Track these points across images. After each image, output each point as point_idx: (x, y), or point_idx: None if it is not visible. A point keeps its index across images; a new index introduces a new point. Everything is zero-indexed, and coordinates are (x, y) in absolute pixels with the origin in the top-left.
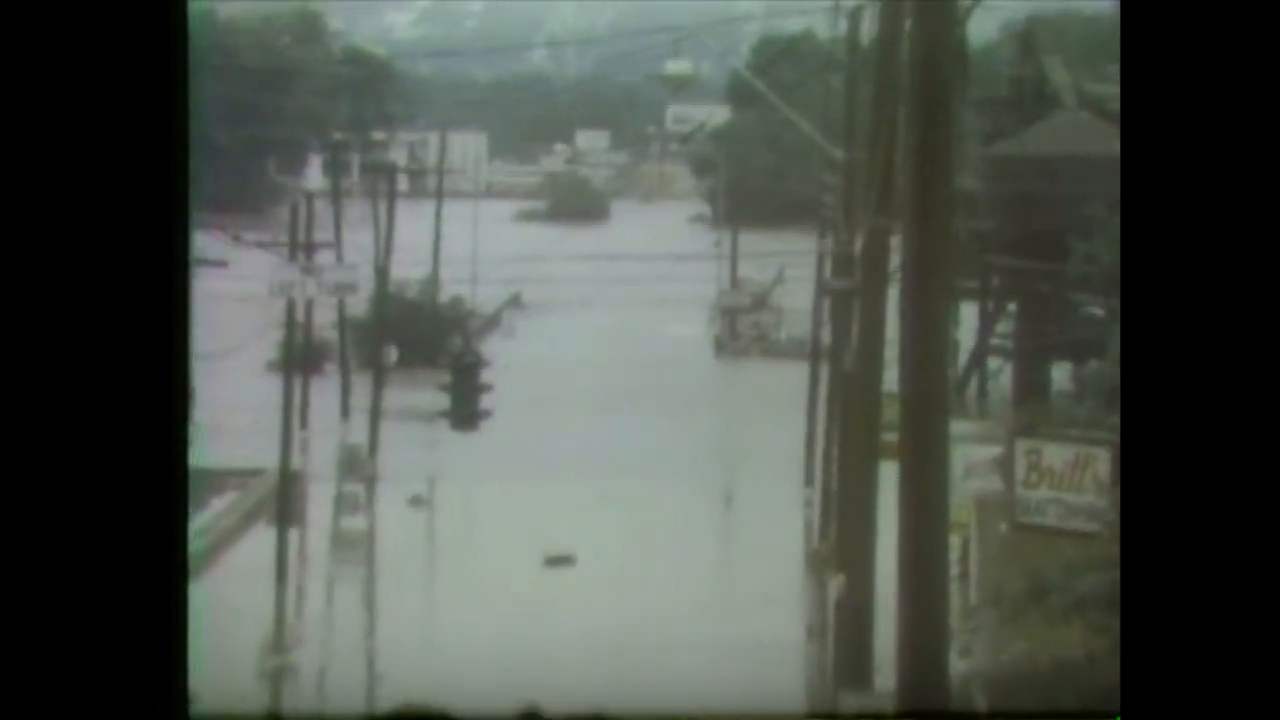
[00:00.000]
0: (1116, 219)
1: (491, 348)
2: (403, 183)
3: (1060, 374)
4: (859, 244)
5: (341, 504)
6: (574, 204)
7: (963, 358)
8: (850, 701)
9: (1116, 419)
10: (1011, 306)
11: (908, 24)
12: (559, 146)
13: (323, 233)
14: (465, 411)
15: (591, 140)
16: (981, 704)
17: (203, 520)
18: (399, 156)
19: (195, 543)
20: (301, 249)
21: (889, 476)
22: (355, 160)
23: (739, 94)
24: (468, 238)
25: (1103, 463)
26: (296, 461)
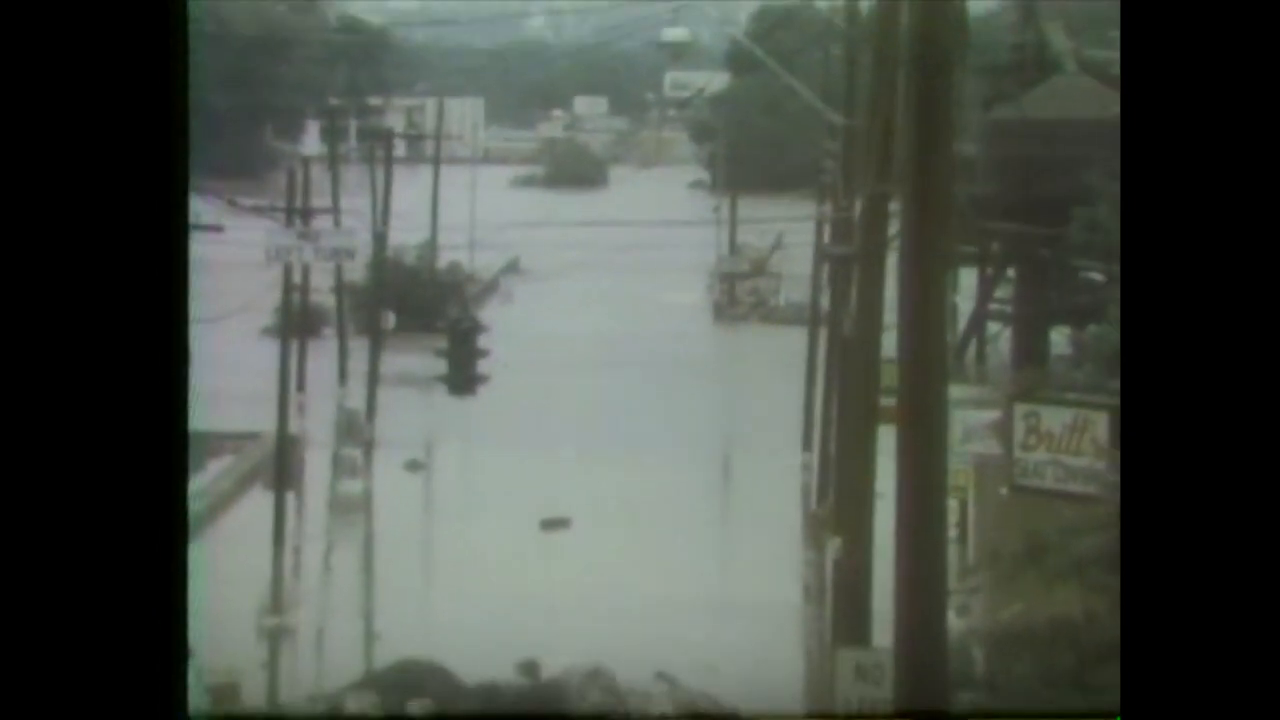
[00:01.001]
0: (1116, 184)
1: (489, 313)
2: (400, 148)
3: (1059, 338)
4: (858, 209)
5: (339, 468)
6: (572, 170)
7: (962, 323)
8: (848, 659)
9: (1115, 383)
10: (1010, 271)
11: None
12: (557, 112)
13: (320, 198)
14: (462, 376)
15: (590, 106)
16: (979, 661)
17: (200, 483)
18: (396, 122)
19: (193, 506)
20: (299, 214)
21: (887, 441)
22: (352, 126)
23: (738, 60)
24: (465, 203)
25: (1101, 426)
26: (294, 426)
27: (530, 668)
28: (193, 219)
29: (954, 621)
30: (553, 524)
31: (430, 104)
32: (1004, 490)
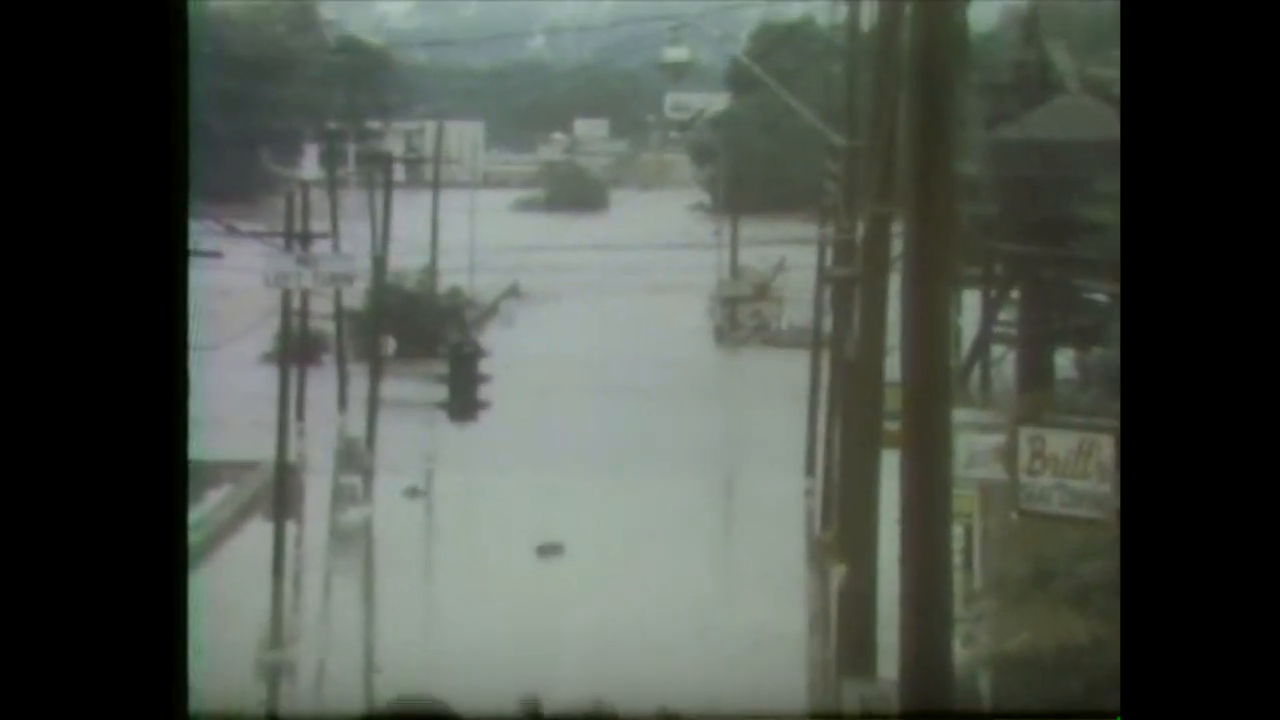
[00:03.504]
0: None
1: (490, 338)
2: (399, 172)
3: (1064, 361)
4: (860, 231)
5: (339, 496)
6: (572, 193)
7: (965, 345)
8: (853, 690)
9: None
10: (1014, 293)
11: (908, 8)
12: (557, 135)
13: (319, 223)
14: (463, 402)
15: (590, 128)
16: (985, 691)
17: (199, 513)
18: (395, 146)
19: (191, 536)
20: (297, 239)
21: (891, 465)
22: (351, 150)
23: (738, 81)
24: (465, 227)
25: (1107, 449)
26: (293, 453)
27: (531, 703)
28: (192, 245)
29: (960, 651)
30: (547, 550)
31: (430, 127)
32: (1014, 515)
